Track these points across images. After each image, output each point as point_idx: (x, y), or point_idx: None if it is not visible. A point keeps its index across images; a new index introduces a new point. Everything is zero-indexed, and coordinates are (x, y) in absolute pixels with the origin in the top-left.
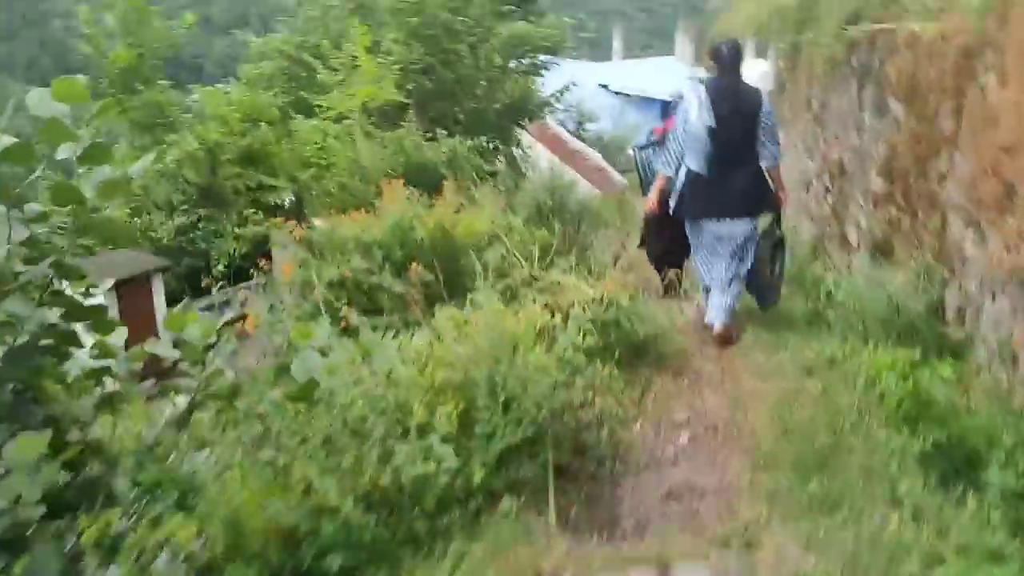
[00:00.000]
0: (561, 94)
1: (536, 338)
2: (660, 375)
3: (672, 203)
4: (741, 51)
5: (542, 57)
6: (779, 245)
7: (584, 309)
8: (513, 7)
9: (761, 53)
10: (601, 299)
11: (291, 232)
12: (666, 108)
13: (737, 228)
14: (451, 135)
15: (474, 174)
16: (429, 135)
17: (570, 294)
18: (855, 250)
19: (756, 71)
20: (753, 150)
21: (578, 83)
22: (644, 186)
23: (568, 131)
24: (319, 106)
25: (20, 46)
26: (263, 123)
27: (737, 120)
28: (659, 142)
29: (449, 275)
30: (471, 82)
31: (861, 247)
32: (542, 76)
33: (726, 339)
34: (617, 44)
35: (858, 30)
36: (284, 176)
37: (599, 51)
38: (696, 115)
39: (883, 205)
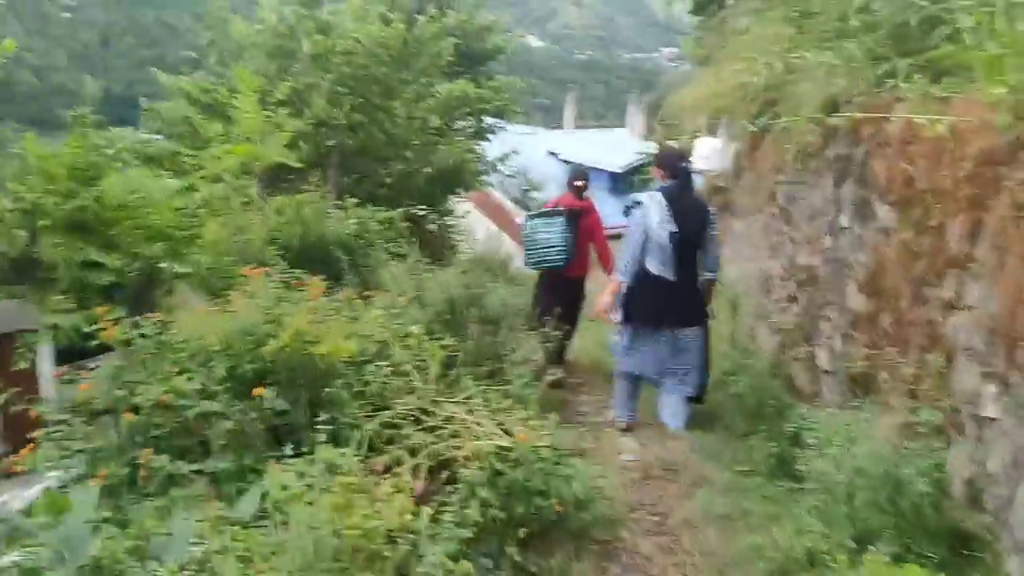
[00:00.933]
0: (502, 160)
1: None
2: (580, 559)
3: (619, 307)
4: (690, 161)
5: (488, 120)
6: (705, 348)
7: (482, 464)
8: (460, 68)
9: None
10: (507, 450)
11: (105, 329)
12: (615, 180)
13: (691, 337)
14: (374, 202)
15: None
16: (339, 203)
17: (466, 441)
18: (825, 376)
19: (706, 148)
20: (697, 261)
21: (526, 150)
22: (526, 254)
23: (512, 198)
24: (194, 164)
25: None
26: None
27: (691, 229)
28: (546, 214)
29: (315, 401)
30: (402, 143)
31: (833, 375)
32: (487, 140)
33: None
34: (569, 113)
35: (839, 117)
36: (125, 251)
37: (554, 118)
38: (658, 222)
39: (864, 329)
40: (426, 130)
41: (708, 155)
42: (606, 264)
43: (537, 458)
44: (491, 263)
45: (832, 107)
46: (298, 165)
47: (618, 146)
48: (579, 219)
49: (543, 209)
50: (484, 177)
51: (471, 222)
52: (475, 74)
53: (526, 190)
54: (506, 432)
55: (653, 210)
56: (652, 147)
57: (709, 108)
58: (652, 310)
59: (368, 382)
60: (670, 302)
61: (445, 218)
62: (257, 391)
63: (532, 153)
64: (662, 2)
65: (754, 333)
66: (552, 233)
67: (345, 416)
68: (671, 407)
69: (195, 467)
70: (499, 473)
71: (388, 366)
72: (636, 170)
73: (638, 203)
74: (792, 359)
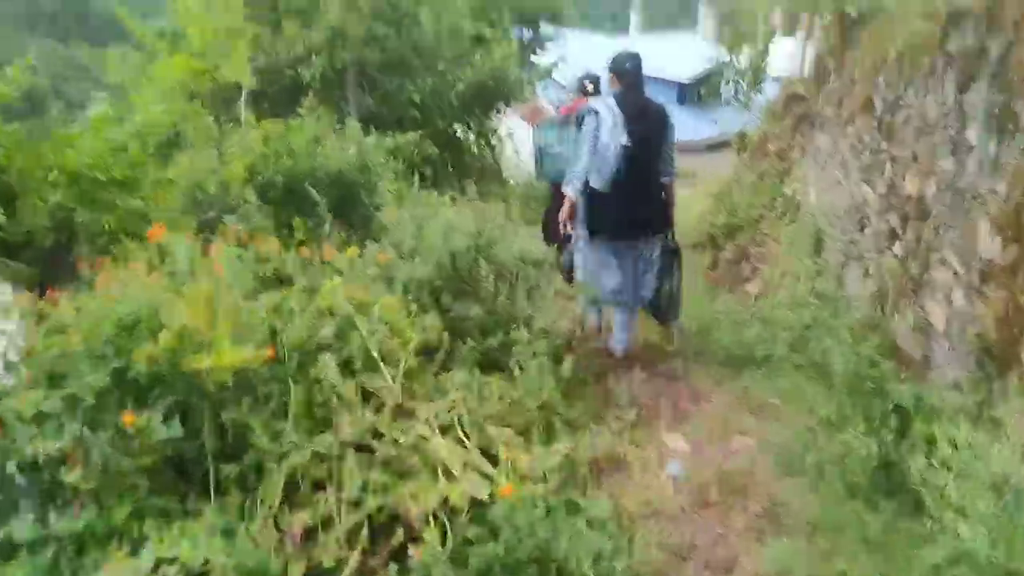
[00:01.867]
0: (552, 68)
1: None
2: None
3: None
4: (641, 62)
5: (543, 26)
6: (676, 256)
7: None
8: None
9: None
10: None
11: None
12: (682, 90)
13: (645, 247)
14: (402, 124)
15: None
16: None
17: (428, 485)
18: (941, 340)
19: (781, 52)
20: (657, 167)
21: (587, 59)
22: (537, 167)
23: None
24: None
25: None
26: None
27: (648, 137)
28: (564, 123)
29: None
30: (431, 54)
31: (953, 340)
32: (543, 48)
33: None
34: (635, 18)
35: None
36: (27, 200)
37: (623, 25)
38: (610, 133)
39: (1000, 282)
40: (458, 37)
41: (781, 62)
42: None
43: (532, 513)
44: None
45: None
46: (247, 84)
47: (686, 53)
48: None
49: (555, 121)
50: (534, 87)
51: (520, 141)
52: None
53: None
54: (493, 459)
55: (607, 121)
56: (723, 52)
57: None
58: (612, 221)
59: (305, 391)
60: (627, 212)
61: (483, 139)
62: (126, 418)
63: (595, 62)
64: None
65: (842, 277)
66: (567, 144)
67: (262, 447)
68: (619, 324)
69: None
70: (470, 542)
71: (340, 361)
72: (705, 79)
73: (592, 111)
74: (894, 314)
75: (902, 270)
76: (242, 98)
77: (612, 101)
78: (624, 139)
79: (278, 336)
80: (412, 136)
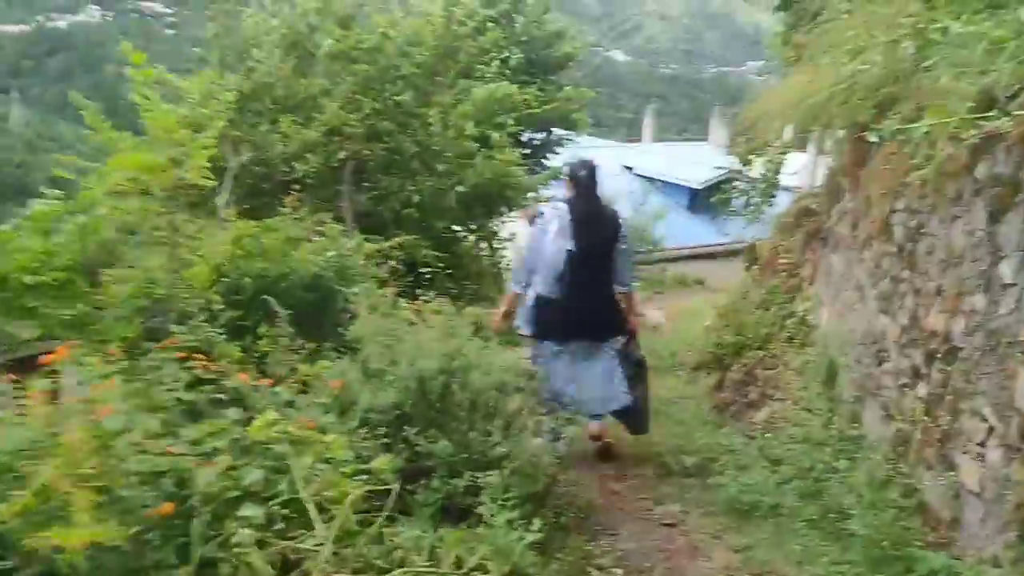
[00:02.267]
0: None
1: None
2: None
3: (520, 322)
4: (596, 172)
5: (556, 132)
6: (640, 366)
7: None
8: (527, 77)
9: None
10: None
11: None
12: (695, 196)
13: (596, 352)
14: (400, 225)
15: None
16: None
17: None
18: (973, 500)
19: (794, 164)
20: (608, 274)
21: (599, 164)
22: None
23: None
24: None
25: (75, 88)
26: None
27: (598, 244)
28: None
29: None
30: (434, 155)
31: (988, 502)
32: (555, 152)
33: (606, 450)
34: (648, 126)
35: (1002, 119)
36: None
37: (636, 132)
38: (554, 238)
39: None
40: (460, 139)
41: (796, 172)
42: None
43: None
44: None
45: (987, 104)
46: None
47: (698, 160)
48: None
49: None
50: (538, 191)
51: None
52: (544, 83)
53: None
54: None
55: (553, 227)
56: (735, 162)
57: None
58: (557, 325)
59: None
60: (575, 317)
61: (484, 242)
62: None
63: (608, 166)
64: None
65: (859, 414)
66: None
67: None
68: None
69: None
70: None
71: (266, 515)
72: (717, 186)
73: (540, 213)
74: (919, 464)
75: (927, 415)
76: (221, 195)
77: (563, 205)
78: (570, 244)
79: (187, 485)
80: (402, 239)
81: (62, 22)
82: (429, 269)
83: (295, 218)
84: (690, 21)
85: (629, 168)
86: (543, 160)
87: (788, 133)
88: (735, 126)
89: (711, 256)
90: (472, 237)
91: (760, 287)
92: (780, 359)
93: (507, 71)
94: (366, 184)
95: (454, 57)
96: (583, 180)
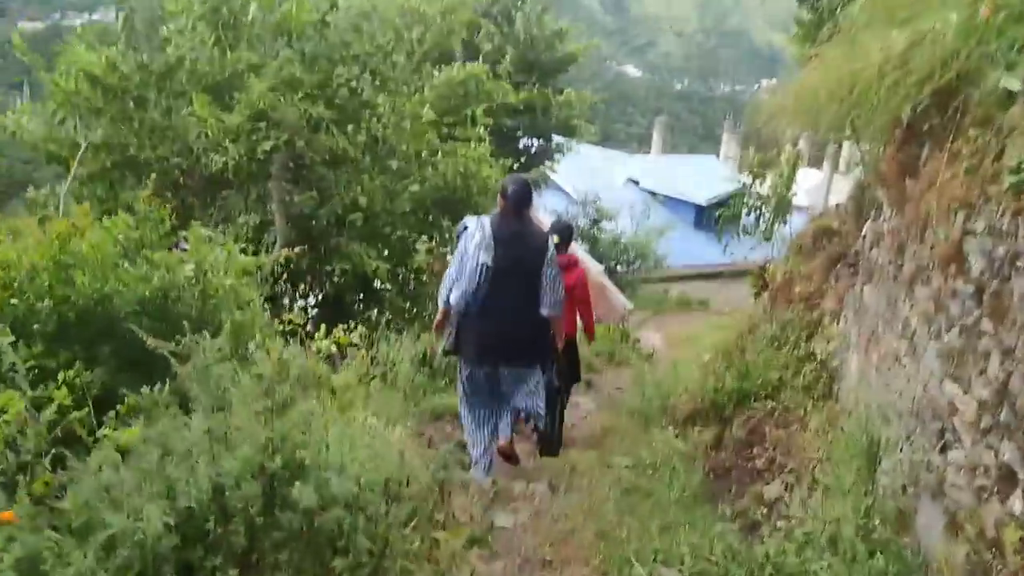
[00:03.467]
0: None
1: None
2: None
3: (446, 339)
4: (528, 191)
5: (555, 138)
6: (558, 394)
7: None
8: (524, 79)
9: (816, 155)
10: None
11: None
12: (700, 213)
13: (516, 374)
14: (342, 229)
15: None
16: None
17: None
18: None
19: (807, 183)
20: (532, 296)
21: (603, 175)
22: None
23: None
24: None
25: None
26: None
27: (517, 263)
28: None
29: None
30: (384, 150)
31: None
32: (554, 159)
33: (509, 454)
34: (657, 139)
35: None
36: None
37: (646, 146)
38: (473, 250)
39: None
40: (417, 130)
41: (809, 190)
42: (588, 329)
43: None
44: None
45: None
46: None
47: (706, 175)
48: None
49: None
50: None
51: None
52: (544, 86)
53: (595, 220)
54: None
55: (474, 239)
56: (744, 177)
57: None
58: (474, 344)
59: None
60: (492, 337)
61: (447, 254)
62: None
63: (610, 179)
64: (765, 34)
65: (910, 516)
66: None
67: None
68: (503, 422)
69: None
70: None
71: None
72: (724, 203)
73: (464, 226)
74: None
75: (1019, 528)
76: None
77: (487, 220)
78: (487, 259)
79: None
80: (292, 252)
81: (78, 20)
82: (379, 286)
83: (149, 218)
84: (705, 38)
85: (634, 181)
86: (540, 168)
87: (803, 143)
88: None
89: (717, 276)
90: (431, 248)
91: (771, 319)
92: (794, 414)
93: (501, 71)
94: (302, 182)
95: (420, 40)
96: (511, 196)
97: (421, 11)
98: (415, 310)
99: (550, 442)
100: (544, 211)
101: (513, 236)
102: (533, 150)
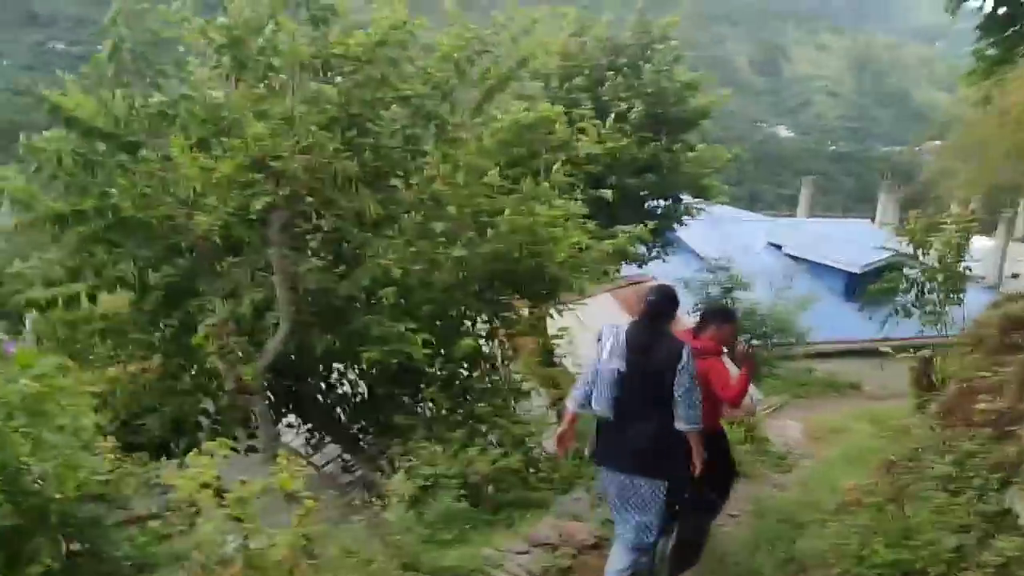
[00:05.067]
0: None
1: None
2: None
3: (588, 445)
4: (667, 305)
5: (684, 199)
6: (712, 509)
7: None
8: (651, 135)
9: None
10: None
11: None
12: (852, 282)
13: (642, 486)
14: (373, 309)
15: None
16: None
17: None
18: None
19: (978, 252)
20: (665, 407)
21: (742, 238)
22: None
23: (702, 302)
24: None
25: None
26: None
27: (650, 372)
28: None
29: None
30: (431, 209)
31: None
32: (682, 223)
33: None
34: (804, 200)
35: None
36: None
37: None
38: (606, 357)
39: None
40: (473, 186)
41: (981, 258)
42: (712, 419)
43: None
44: None
45: None
46: None
47: (859, 241)
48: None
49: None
50: (612, 269)
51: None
52: (674, 142)
53: (728, 289)
54: None
55: (607, 346)
56: (904, 243)
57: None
58: (604, 451)
59: None
60: (621, 444)
61: (507, 342)
62: None
63: (750, 242)
64: (926, 93)
65: None
66: None
67: None
68: (612, 556)
69: None
70: None
71: None
72: (880, 271)
73: (600, 332)
74: None
75: None
76: None
77: (623, 327)
78: (620, 365)
79: None
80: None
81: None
82: (421, 382)
83: None
84: (861, 98)
85: (775, 245)
86: (667, 232)
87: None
88: (908, 205)
89: (870, 355)
90: (495, 330)
91: (941, 446)
92: None
93: (627, 126)
94: (321, 247)
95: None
96: (648, 305)
97: (489, 40)
98: (460, 410)
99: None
100: (670, 278)
101: (644, 345)
102: (659, 211)
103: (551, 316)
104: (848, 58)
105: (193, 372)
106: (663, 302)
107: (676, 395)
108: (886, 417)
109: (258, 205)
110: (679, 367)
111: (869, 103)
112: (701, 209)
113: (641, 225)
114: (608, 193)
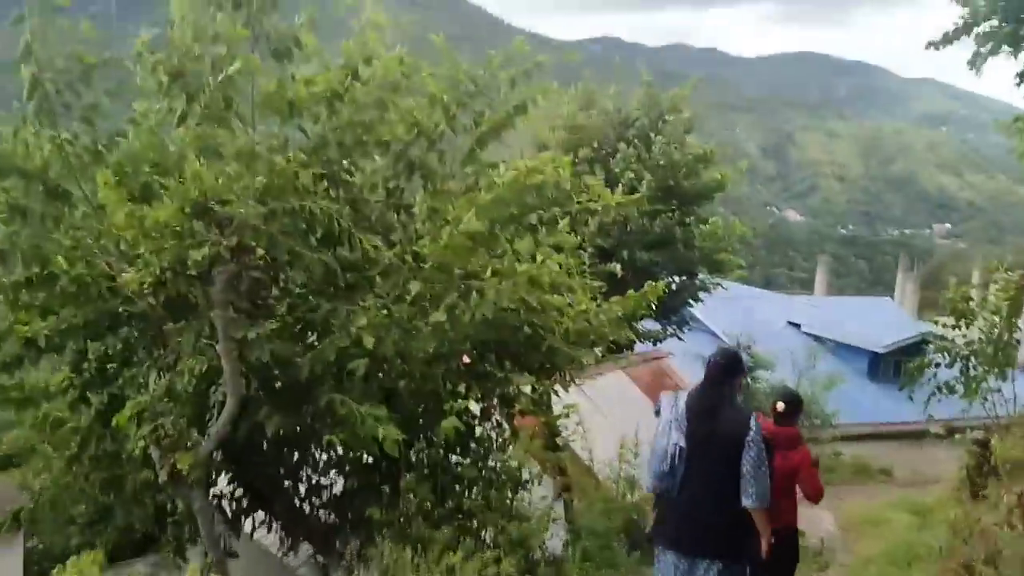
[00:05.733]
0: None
1: None
2: None
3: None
4: (733, 364)
5: (700, 276)
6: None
7: None
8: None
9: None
10: None
11: None
12: (875, 362)
13: (699, 569)
14: (341, 386)
15: None
16: None
17: None
18: None
19: None
20: (731, 482)
21: (759, 316)
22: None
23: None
24: None
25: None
26: None
27: (713, 443)
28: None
29: None
30: (409, 269)
31: None
32: (698, 300)
33: None
34: (821, 279)
35: None
36: None
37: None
38: (663, 430)
39: None
40: (457, 246)
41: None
42: (793, 513)
43: None
44: None
45: None
46: None
47: (881, 319)
48: (773, 451)
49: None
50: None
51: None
52: (685, 215)
53: (750, 368)
54: None
55: (663, 417)
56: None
57: None
58: (664, 529)
59: None
60: (683, 523)
61: (503, 423)
62: None
63: (766, 322)
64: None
65: None
66: None
67: None
68: None
69: None
70: None
71: None
72: (906, 350)
73: (659, 404)
74: None
75: None
76: None
77: (683, 394)
78: (679, 439)
79: None
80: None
81: None
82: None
83: None
84: (869, 183)
85: (795, 324)
86: (682, 309)
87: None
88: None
89: (899, 437)
90: (489, 408)
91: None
92: None
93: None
94: (266, 312)
95: (477, 121)
96: (710, 368)
97: (483, 81)
98: (448, 505)
99: None
100: (686, 356)
101: (706, 412)
102: (674, 287)
103: (555, 393)
104: (856, 144)
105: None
106: (728, 364)
107: (744, 469)
108: (925, 507)
109: (197, 256)
110: (748, 439)
111: (877, 187)
112: (718, 284)
113: (655, 284)
114: (617, 267)
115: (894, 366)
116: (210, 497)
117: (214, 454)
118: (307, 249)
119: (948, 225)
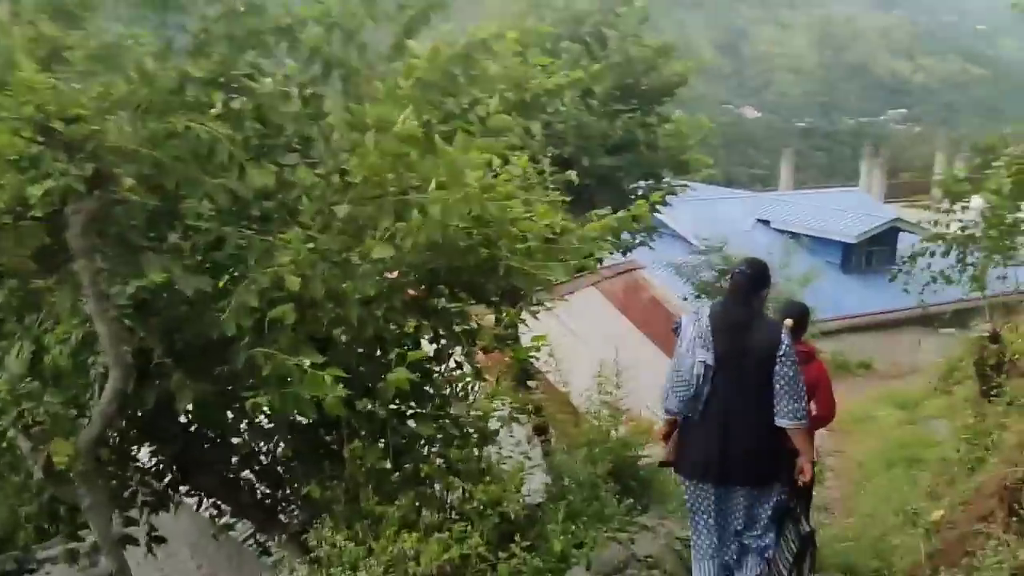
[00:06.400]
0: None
1: None
2: None
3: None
4: (761, 275)
5: (665, 178)
6: (806, 540)
7: None
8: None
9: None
10: None
11: None
12: (848, 253)
13: (745, 498)
14: (261, 331)
15: None
16: None
17: None
18: None
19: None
20: (765, 400)
21: (726, 217)
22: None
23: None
24: None
25: None
26: None
27: (742, 359)
28: None
29: None
30: (333, 192)
31: None
32: (665, 203)
33: None
34: (785, 174)
35: None
36: None
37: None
38: (687, 349)
39: None
40: (388, 153)
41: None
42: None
43: None
44: None
45: None
46: None
47: (852, 210)
48: None
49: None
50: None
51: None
52: (647, 115)
53: (722, 271)
54: None
55: (686, 336)
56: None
57: None
58: (692, 457)
59: None
60: (715, 451)
61: (461, 357)
62: None
63: (735, 222)
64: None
65: None
66: None
67: None
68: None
69: None
70: None
71: None
72: (879, 238)
73: (678, 324)
74: None
75: None
76: None
77: (705, 310)
78: (706, 356)
79: None
80: None
81: None
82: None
83: None
84: (824, 73)
85: (764, 221)
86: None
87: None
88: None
89: (874, 328)
90: (443, 349)
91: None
92: None
93: (593, 100)
94: (154, 246)
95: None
96: (736, 279)
97: None
98: (404, 470)
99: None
100: (659, 264)
101: (736, 326)
102: (640, 192)
103: (523, 323)
104: (808, 33)
105: None
106: (756, 275)
107: (778, 386)
108: (910, 400)
109: (36, 192)
110: (779, 355)
111: (832, 76)
112: (685, 186)
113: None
114: (573, 174)
115: (866, 256)
116: (131, 472)
117: (110, 435)
118: (205, 174)
119: (903, 110)
